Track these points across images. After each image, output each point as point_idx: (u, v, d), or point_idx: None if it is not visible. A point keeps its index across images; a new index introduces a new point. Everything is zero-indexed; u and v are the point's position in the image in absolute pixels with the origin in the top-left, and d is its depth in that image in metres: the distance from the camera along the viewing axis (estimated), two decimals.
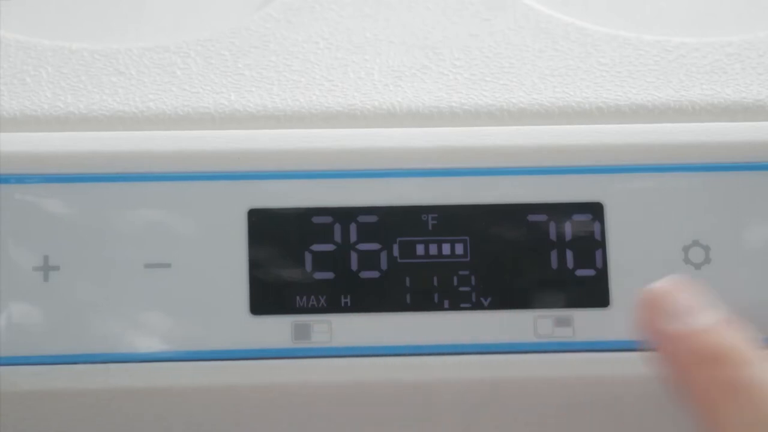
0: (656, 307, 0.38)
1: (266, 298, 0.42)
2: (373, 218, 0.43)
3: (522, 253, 0.43)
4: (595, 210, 0.43)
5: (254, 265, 0.42)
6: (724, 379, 0.36)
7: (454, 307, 0.42)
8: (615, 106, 0.46)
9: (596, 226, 0.43)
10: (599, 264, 0.43)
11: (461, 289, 0.42)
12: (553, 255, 0.43)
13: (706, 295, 0.38)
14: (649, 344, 0.38)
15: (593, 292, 0.43)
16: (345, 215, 0.43)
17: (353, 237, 0.43)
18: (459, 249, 0.43)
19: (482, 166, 0.43)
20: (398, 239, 0.43)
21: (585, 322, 0.42)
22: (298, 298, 0.42)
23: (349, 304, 0.42)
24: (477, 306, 0.42)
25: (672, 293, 0.38)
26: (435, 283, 0.42)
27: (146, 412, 0.42)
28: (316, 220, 0.43)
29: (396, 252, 0.43)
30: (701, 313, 0.38)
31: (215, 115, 0.45)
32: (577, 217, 0.43)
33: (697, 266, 0.43)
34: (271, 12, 0.50)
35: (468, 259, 0.43)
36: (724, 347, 0.37)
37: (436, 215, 0.43)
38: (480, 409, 0.43)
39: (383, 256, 0.43)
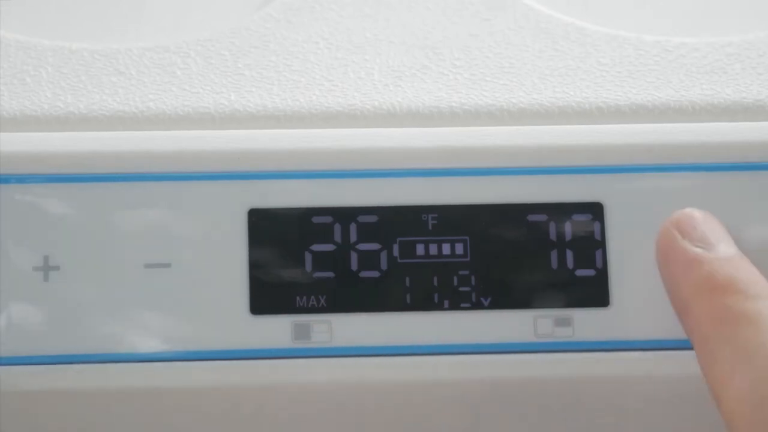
0: (683, 229, 0.40)
1: (266, 298, 0.42)
2: (373, 218, 0.43)
3: (522, 253, 0.43)
4: (595, 210, 0.43)
5: (254, 265, 0.42)
6: (732, 307, 0.37)
7: (454, 307, 0.42)
8: (615, 106, 0.46)
9: (596, 226, 0.43)
10: (599, 264, 0.43)
11: (461, 289, 0.42)
12: (553, 255, 0.43)
13: (726, 232, 0.40)
14: (662, 262, 0.39)
15: (593, 292, 0.43)
16: (345, 215, 0.43)
17: (353, 237, 0.43)
18: (459, 249, 0.43)
19: (482, 166, 0.43)
20: (398, 239, 0.43)
21: (585, 322, 0.42)
22: (298, 298, 0.42)
23: (349, 304, 0.42)
24: (477, 306, 0.42)
25: (699, 220, 0.40)
26: (435, 283, 0.42)
27: (146, 412, 0.42)
28: (316, 220, 0.43)
29: (396, 252, 0.43)
30: (720, 244, 0.39)
31: (215, 115, 0.45)
32: (577, 217, 0.43)
33: None
34: (271, 12, 0.50)
35: (468, 259, 0.43)
36: (737, 278, 0.38)
37: (436, 215, 0.43)
38: (480, 409, 0.43)
39: (383, 256, 0.43)
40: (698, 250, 0.39)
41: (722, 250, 0.39)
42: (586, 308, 0.43)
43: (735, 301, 0.37)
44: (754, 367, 0.36)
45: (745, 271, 0.39)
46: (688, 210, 0.41)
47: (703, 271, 0.38)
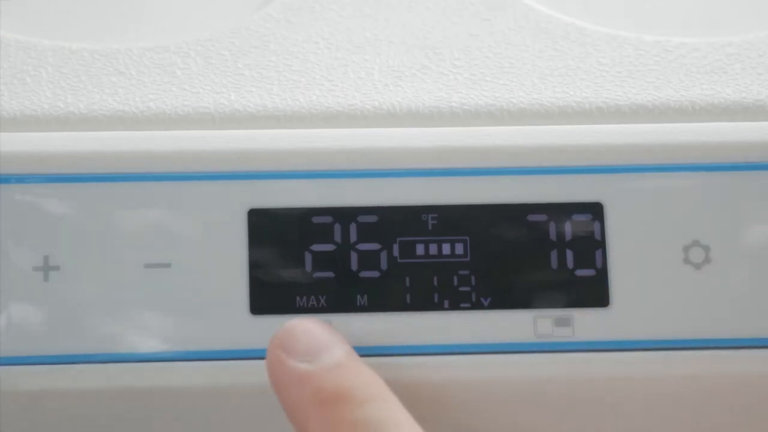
0: (287, 347, 0.39)
1: (266, 298, 0.42)
2: (373, 218, 0.43)
3: (522, 253, 0.43)
4: (595, 210, 0.43)
5: (254, 265, 0.42)
6: (344, 417, 0.36)
7: (454, 307, 0.42)
8: (615, 106, 0.46)
9: (596, 226, 0.43)
10: (599, 264, 0.43)
11: (461, 289, 0.42)
12: (553, 255, 0.43)
13: (332, 332, 0.39)
14: (276, 386, 0.38)
15: (593, 292, 0.43)
16: (345, 215, 0.43)
17: (353, 237, 0.43)
18: (459, 249, 0.43)
19: (482, 166, 0.43)
20: (398, 239, 0.43)
21: (585, 322, 0.42)
22: (298, 297, 0.42)
23: (349, 304, 0.42)
24: (477, 306, 0.42)
25: (300, 332, 0.39)
26: (435, 283, 0.42)
27: (146, 412, 0.42)
28: (316, 220, 0.43)
29: (396, 252, 0.43)
30: (325, 352, 0.38)
31: (215, 115, 0.45)
32: (577, 217, 0.43)
33: (697, 266, 0.43)
34: (271, 12, 0.50)
35: (468, 259, 0.43)
36: (344, 386, 0.37)
37: (436, 215, 0.43)
38: (480, 409, 0.43)
39: (383, 256, 0.43)
40: (303, 366, 0.38)
41: (326, 359, 0.38)
42: (586, 308, 0.43)
43: (347, 411, 0.37)
44: None
45: (353, 376, 0.38)
46: (289, 324, 0.40)
47: (313, 386, 0.37)
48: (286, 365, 0.38)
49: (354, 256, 0.43)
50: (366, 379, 0.38)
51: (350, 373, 0.38)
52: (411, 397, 0.43)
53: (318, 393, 0.37)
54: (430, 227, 0.43)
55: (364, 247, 0.43)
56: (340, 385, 0.37)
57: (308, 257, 0.42)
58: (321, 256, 0.42)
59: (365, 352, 0.42)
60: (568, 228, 0.43)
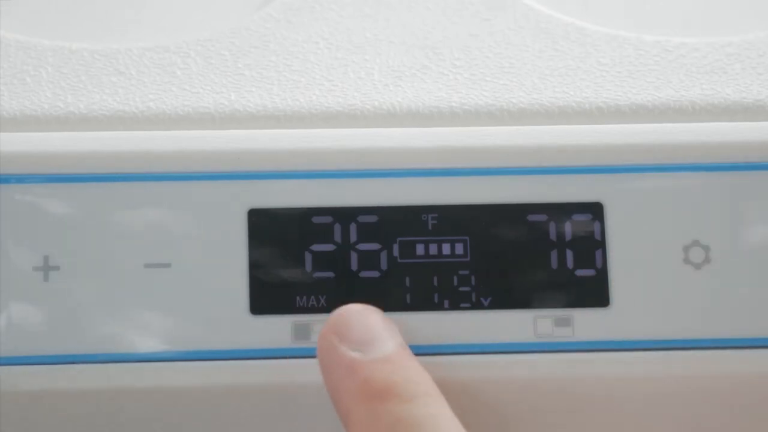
0: (340, 332, 0.39)
1: (266, 298, 0.42)
2: (373, 218, 0.43)
3: (522, 253, 0.43)
4: (595, 210, 0.43)
5: (254, 265, 0.42)
6: (391, 412, 0.36)
7: (454, 307, 0.42)
8: (615, 106, 0.46)
9: (596, 226, 0.43)
10: (599, 264, 0.43)
11: (461, 289, 0.42)
12: (553, 255, 0.43)
13: (387, 323, 0.39)
14: (323, 371, 0.38)
15: (593, 292, 0.43)
16: (345, 215, 0.43)
17: (353, 237, 0.43)
18: (459, 249, 0.43)
19: (482, 166, 0.43)
20: (398, 239, 0.43)
21: (585, 322, 0.42)
22: (298, 298, 0.42)
23: (349, 304, 0.42)
24: (477, 306, 0.42)
25: (354, 320, 0.39)
26: (435, 283, 0.42)
27: (146, 412, 0.42)
28: (316, 220, 0.43)
29: (396, 252, 0.43)
30: (377, 343, 0.38)
31: (215, 115, 0.45)
32: (577, 217, 0.43)
33: (697, 266, 0.43)
34: (271, 12, 0.50)
35: (468, 259, 0.43)
36: (394, 381, 0.37)
37: (436, 215, 0.43)
38: (480, 409, 0.43)
39: (383, 256, 0.43)
40: (355, 354, 0.38)
41: (378, 350, 0.38)
42: (586, 308, 0.43)
43: (393, 407, 0.36)
44: None
45: (402, 371, 0.38)
46: (343, 309, 0.40)
47: (361, 377, 0.37)
48: (337, 351, 0.38)
49: (354, 256, 0.43)
50: (415, 375, 0.38)
51: (400, 368, 0.38)
52: None
53: (365, 384, 0.37)
54: (430, 227, 0.43)
55: (364, 247, 0.43)
56: (389, 379, 0.37)
57: (308, 257, 0.42)
58: (321, 256, 0.42)
59: None
60: (568, 228, 0.43)
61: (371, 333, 0.39)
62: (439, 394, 0.38)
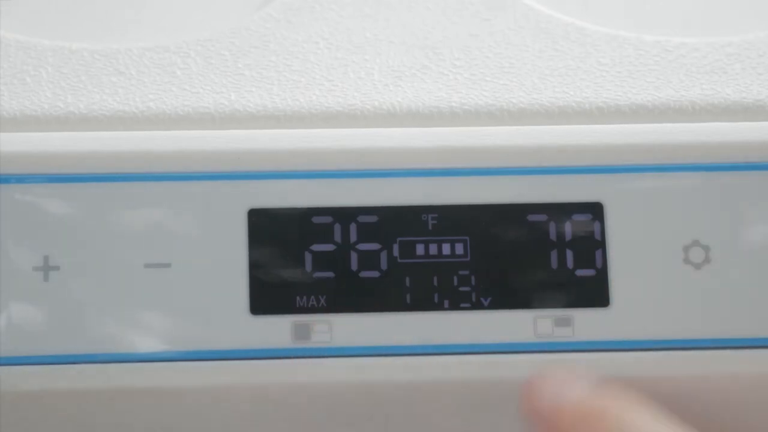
0: (533, 392, 0.39)
1: (266, 298, 0.42)
2: (373, 218, 0.43)
3: (522, 253, 0.43)
4: (595, 210, 0.43)
5: (254, 265, 0.42)
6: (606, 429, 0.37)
7: (454, 307, 0.42)
8: (615, 106, 0.46)
9: (596, 226, 0.43)
10: (599, 264, 0.43)
11: (461, 289, 0.42)
12: (553, 255, 0.43)
13: (576, 367, 0.40)
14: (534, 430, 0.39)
15: (593, 292, 0.43)
16: (345, 215, 0.43)
17: (353, 237, 0.43)
18: (459, 249, 0.43)
19: (482, 166, 0.43)
20: (398, 239, 0.43)
21: (585, 322, 0.42)
22: (298, 298, 0.42)
23: (349, 304, 0.42)
24: (477, 306, 0.42)
25: (544, 375, 0.40)
26: (435, 283, 0.42)
27: (146, 412, 0.42)
28: (316, 220, 0.43)
29: (396, 252, 0.43)
30: (574, 383, 0.39)
31: (215, 115, 0.45)
32: (577, 217, 0.43)
33: (697, 266, 0.43)
34: (271, 12, 0.50)
35: (468, 259, 0.43)
36: (602, 406, 0.38)
37: (436, 215, 0.43)
38: (480, 409, 0.43)
39: (383, 256, 0.43)
40: (553, 401, 0.39)
41: (578, 389, 0.39)
42: (586, 308, 0.43)
43: (608, 425, 0.38)
44: None
45: (611, 395, 0.39)
46: (531, 378, 0.40)
47: (569, 411, 0.39)
48: (537, 405, 0.39)
49: (354, 256, 0.43)
50: (624, 394, 0.39)
51: (608, 393, 0.39)
52: (411, 397, 0.43)
53: (576, 411, 0.38)
54: (430, 227, 0.43)
55: (364, 247, 0.43)
56: (599, 404, 0.38)
57: (308, 257, 0.42)
58: (321, 256, 0.42)
59: (365, 352, 0.42)
60: (568, 228, 0.43)
61: (564, 381, 0.40)
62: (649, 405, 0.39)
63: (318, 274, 0.42)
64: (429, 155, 0.43)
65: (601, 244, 0.43)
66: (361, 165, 0.43)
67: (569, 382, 0.39)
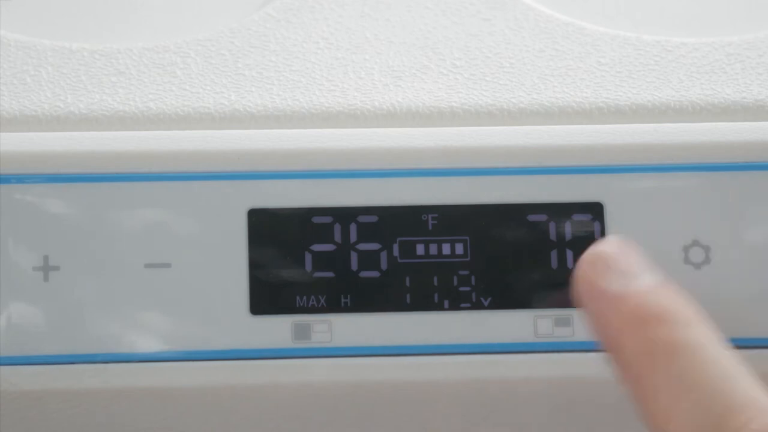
0: (599, 267, 0.37)
1: (266, 298, 0.42)
2: (373, 218, 0.43)
3: (522, 253, 0.43)
4: (595, 210, 0.43)
5: (254, 265, 0.42)
6: (665, 338, 0.35)
7: (454, 307, 0.42)
8: (615, 106, 0.46)
9: (596, 226, 0.43)
10: None
11: (461, 289, 0.42)
12: (553, 255, 0.43)
13: (645, 259, 0.38)
14: (585, 304, 0.37)
15: None
16: (345, 215, 0.43)
17: (353, 237, 0.43)
18: (459, 249, 0.43)
19: (482, 166, 0.43)
20: (398, 239, 0.43)
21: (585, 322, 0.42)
22: (298, 297, 0.42)
23: (349, 304, 0.42)
24: (477, 306, 0.42)
25: (614, 255, 0.38)
26: (435, 282, 0.42)
27: (146, 412, 0.42)
28: (316, 220, 0.43)
29: (396, 252, 0.43)
30: (642, 275, 0.37)
31: (215, 115, 0.45)
32: (577, 217, 0.43)
33: (697, 266, 0.43)
34: (271, 12, 0.50)
35: (468, 259, 0.43)
36: (666, 307, 0.36)
37: (436, 215, 0.43)
38: (480, 409, 0.43)
39: (383, 256, 0.43)
40: (620, 286, 0.37)
41: (645, 281, 0.37)
42: None
43: (667, 332, 0.36)
44: (696, 397, 0.35)
45: (673, 300, 0.37)
46: (601, 247, 0.38)
47: (630, 305, 0.36)
48: (598, 284, 0.37)
49: (354, 256, 0.43)
50: (684, 305, 0.37)
51: (669, 296, 0.37)
52: (411, 397, 0.43)
53: (637, 312, 0.36)
54: (430, 227, 0.43)
55: (364, 247, 0.43)
56: (662, 306, 0.36)
57: (308, 257, 0.42)
58: (321, 256, 0.42)
59: (365, 352, 0.42)
60: (568, 228, 0.43)
61: (635, 266, 0.38)
62: (707, 323, 0.37)
63: (318, 274, 0.42)
64: (429, 155, 0.43)
65: None
66: (361, 165, 0.43)
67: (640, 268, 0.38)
